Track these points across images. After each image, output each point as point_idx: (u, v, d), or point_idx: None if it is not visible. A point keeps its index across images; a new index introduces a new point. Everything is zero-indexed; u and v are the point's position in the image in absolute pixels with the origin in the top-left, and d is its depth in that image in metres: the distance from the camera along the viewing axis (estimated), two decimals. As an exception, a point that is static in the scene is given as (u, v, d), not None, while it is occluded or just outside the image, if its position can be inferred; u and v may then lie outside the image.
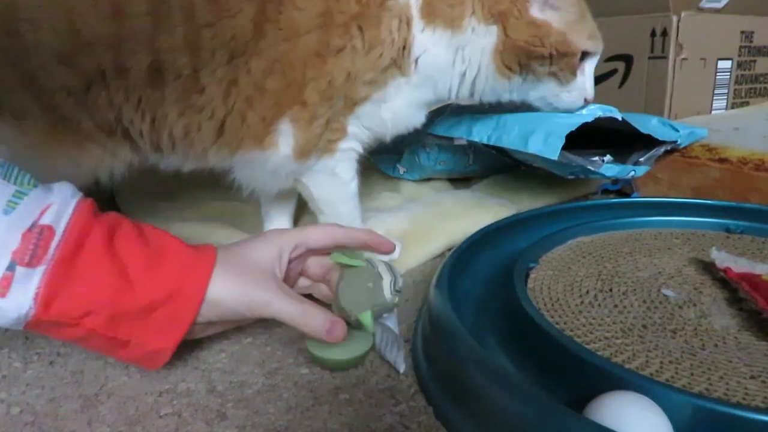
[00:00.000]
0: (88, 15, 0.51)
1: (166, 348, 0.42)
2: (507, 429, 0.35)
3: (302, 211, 0.76)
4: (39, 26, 0.50)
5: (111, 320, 0.39)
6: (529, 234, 0.61)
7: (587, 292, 0.50)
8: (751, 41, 1.10)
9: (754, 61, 1.12)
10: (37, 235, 0.37)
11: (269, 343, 0.51)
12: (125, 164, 0.59)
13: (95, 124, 0.55)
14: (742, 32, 1.09)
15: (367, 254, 0.52)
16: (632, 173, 0.73)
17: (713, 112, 1.10)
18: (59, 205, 0.39)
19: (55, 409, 0.42)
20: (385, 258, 0.54)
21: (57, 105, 0.53)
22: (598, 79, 1.08)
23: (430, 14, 0.58)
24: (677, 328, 0.44)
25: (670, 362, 0.39)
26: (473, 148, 0.89)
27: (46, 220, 0.38)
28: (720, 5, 1.04)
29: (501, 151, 0.81)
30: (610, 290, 0.50)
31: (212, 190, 0.85)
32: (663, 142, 0.77)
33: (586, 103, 0.66)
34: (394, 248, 0.51)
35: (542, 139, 0.65)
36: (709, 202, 0.67)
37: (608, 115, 0.69)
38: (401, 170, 0.95)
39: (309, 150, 0.60)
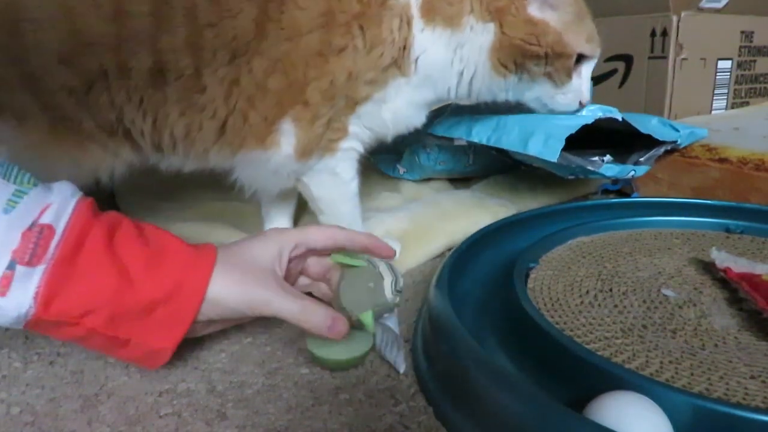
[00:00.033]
0: (90, 15, 0.51)
1: (167, 347, 0.42)
2: (507, 429, 0.35)
3: (302, 210, 0.76)
4: (40, 26, 0.50)
5: (111, 320, 0.39)
6: (529, 234, 0.61)
7: (587, 292, 0.50)
8: (751, 41, 1.10)
9: (754, 61, 1.12)
10: (37, 234, 0.37)
11: (269, 343, 0.51)
12: (126, 164, 0.59)
13: (96, 124, 0.55)
14: (742, 32, 1.09)
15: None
16: (632, 173, 0.73)
17: (713, 112, 1.10)
18: (59, 204, 0.39)
19: (55, 409, 0.42)
20: (386, 258, 0.54)
21: (58, 105, 0.53)
22: (598, 79, 1.09)
23: (429, 13, 0.58)
24: (677, 328, 0.44)
25: (670, 362, 0.39)
26: (473, 148, 0.89)
27: (46, 219, 0.38)
28: (720, 5, 1.04)
29: (500, 151, 0.81)
30: (610, 290, 0.50)
31: (212, 190, 0.85)
32: (663, 142, 0.77)
33: (581, 106, 0.66)
34: (395, 254, 0.51)
35: (542, 141, 0.65)
36: (709, 202, 0.67)
37: (608, 115, 0.69)
38: (401, 170, 0.95)
39: (311, 149, 0.60)
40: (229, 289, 0.42)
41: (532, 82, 0.63)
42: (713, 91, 1.09)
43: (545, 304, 0.48)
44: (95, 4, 0.51)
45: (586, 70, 0.64)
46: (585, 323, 0.45)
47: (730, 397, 0.36)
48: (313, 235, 0.49)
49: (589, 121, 0.66)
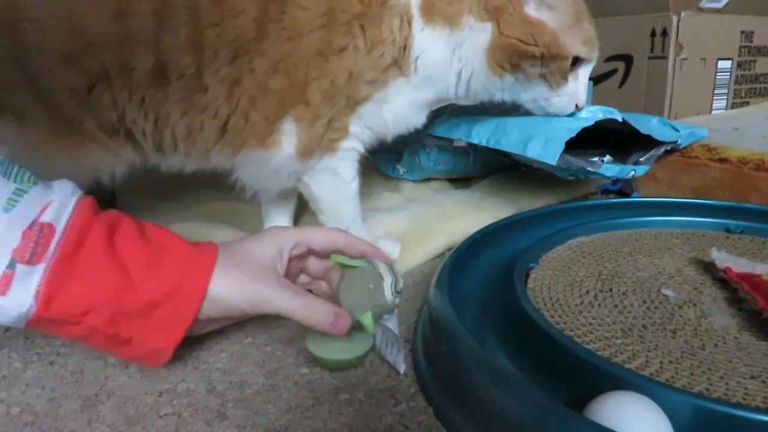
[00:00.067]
0: (91, 15, 0.51)
1: (168, 346, 0.42)
2: (507, 429, 0.35)
3: (302, 210, 0.76)
4: (41, 26, 0.50)
5: (112, 318, 0.39)
6: (529, 234, 0.61)
7: (587, 292, 0.50)
8: (751, 41, 1.10)
9: (754, 61, 1.12)
10: (38, 233, 0.37)
11: (269, 343, 0.51)
12: (127, 165, 0.59)
13: (97, 124, 0.55)
14: (742, 32, 1.09)
15: None
16: (632, 173, 0.73)
17: (713, 112, 1.10)
18: (59, 203, 0.39)
19: (55, 409, 0.42)
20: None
21: (59, 105, 0.53)
22: (598, 79, 1.09)
23: (429, 12, 0.58)
24: (677, 328, 0.44)
25: (670, 362, 0.39)
26: (473, 148, 0.89)
27: (46, 218, 0.38)
28: (720, 5, 1.04)
29: (500, 152, 0.81)
30: (610, 290, 0.50)
31: (212, 190, 0.85)
32: (663, 143, 0.77)
33: (578, 109, 0.66)
34: (392, 262, 0.51)
35: (541, 144, 0.65)
36: (709, 202, 0.67)
37: (608, 116, 0.69)
38: (401, 170, 0.95)
39: (312, 149, 0.60)
40: (230, 288, 0.42)
41: (528, 83, 0.62)
42: (713, 91, 1.09)
43: (545, 304, 0.48)
44: (97, 4, 0.51)
45: (584, 73, 0.64)
46: (585, 323, 0.45)
47: (730, 397, 0.36)
48: (314, 236, 0.49)
49: (590, 123, 0.66)
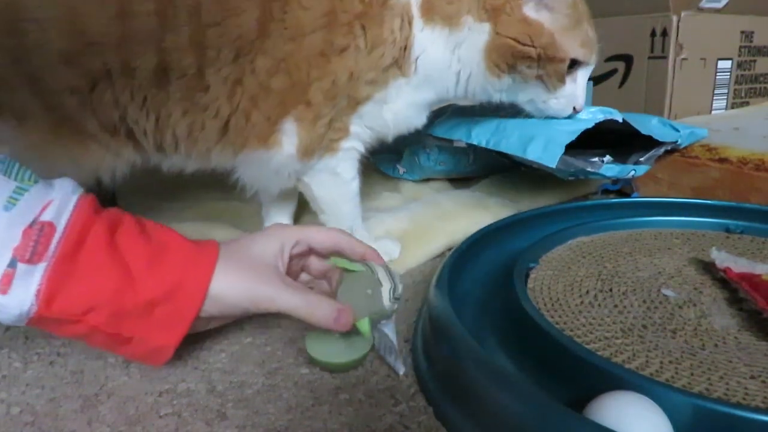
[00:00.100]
0: (93, 14, 0.51)
1: (169, 344, 0.42)
2: (507, 429, 0.35)
3: (303, 210, 0.76)
4: (42, 26, 0.50)
5: (113, 317, 0.39)
6: (529, 234, 0.61)
7: (587, 292, 0.50)
8: (751, 41, 1.10)
9: (754, 61, 1.12)
10: (38, 232, 0.37)
11: (269, 343, 0.51)
12: (128, 164, 0.59)
13: (99, 123, 0.55)
14: (742, 32, 1.09)
15: None
16: (632, 173, 0.73)
17: (713, 112, 1.10)
18: (60, 201, 0.39)
19: (55, 409, 0.42)
20: (385, 259, 0.54)
21: (60, 105, 0.53)
22: (598, 79, 1.09)
23: (429, 12, 0.58)
24: (677, 328, 0.44)
25: (670, 362, 0.39)
26: (473, 149, 0.89)
27: (47, 217, 0.38)
28: (720, 5, 1.04)
29: (500, 152, 0.81)
30: (610, 290, 0.50)
31: (213, 190, 0.85)
32: (663, 143, 0.77)
33: (575, 112, 0.66)
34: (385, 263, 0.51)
35: (541, 147, 0.65)
36: (709, 202, 0.67)
37: (609, 118, 0.69)
38: (401, 170, 0.96)
39: (313, 149, 0.60)
40: (231, 286, 0.42)
41: (525, 85, 0.62)
42: (713, 91, 1.09)
43: (545, 304, 0.48)
44: (98, 4, 0.51)
45: (582, 76, 0.64)
46: (585, 323, 0.45)
47: (730, 397, 0.36)
48: (315, 235, 0.49)
49: (590, 125, 0.66)
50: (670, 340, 0.42)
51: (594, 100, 1.09)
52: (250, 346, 0.50)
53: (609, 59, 1.07)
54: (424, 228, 0.72)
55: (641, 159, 0.76)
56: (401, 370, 0.45)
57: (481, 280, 0.55)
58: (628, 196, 0.86)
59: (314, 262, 0.51)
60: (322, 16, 0.55)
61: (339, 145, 0.62)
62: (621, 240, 0.61)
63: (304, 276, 0.52)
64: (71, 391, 0.44)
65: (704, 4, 1.02)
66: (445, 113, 0.82)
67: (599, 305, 0.48)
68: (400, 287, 0.47)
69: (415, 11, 0.58)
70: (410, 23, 0.58)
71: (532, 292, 0.50)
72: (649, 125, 0.76)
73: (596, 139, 0.73)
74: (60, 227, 0.38)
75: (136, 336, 0.41)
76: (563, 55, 0.60)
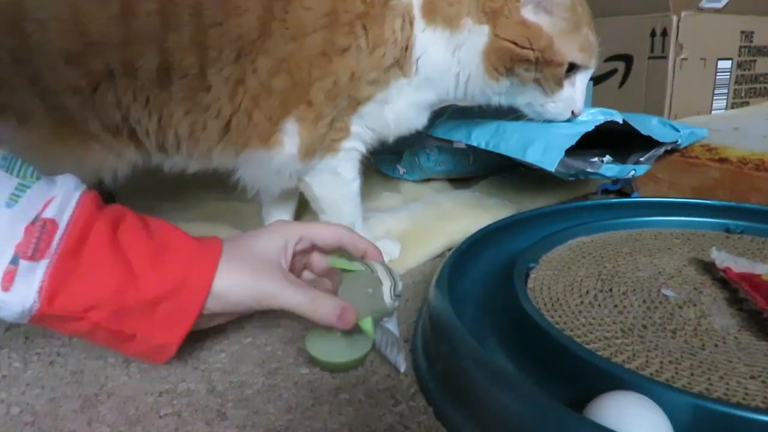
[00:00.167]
0: (95, 15, 0.51)
1: (172, 342, 0.42)
2: (507, 429, 0.35)
3: (303, 210, 0.76)
4: (44, 26, 0.50)
5: (115, 314, 0.39)
6: (529, 234, 0.61)
7: (587, 292, 0.50)
8: (751, 41, 1.10)
9: (754, 61, 1.12)
10: (40, 229, 0.37)
11: (269, 343, 0.51)
12: (129, 165, 0.59)
13: (101, 124, 0.55)
14: (742, 32, 1.09)
15: None
16: (632, 173, 0.73)
17: (713, 112, 1.10)
18: (62, 198, 0.39)
19: (55, 409, 0.42)
20: (385, 259, 0.54)
21: (62, 105, 0.53)
22: (598, 79, 1.09)
23: (430, 13, 0.58)
24: (677, 328, 0.44)
25: (670, 362, 0.39)
26: (473, 150, 0.89)
27: (49, 213, 0.38)
28: (720, 5, 1.04)
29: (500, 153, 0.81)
30: (610, 290, 0.50)
31: (214, 190, 0.85)
32: (663, 143, 0.77)
33: (574, 116, 0.66)
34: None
35: (541, 150, 0.65)
36: (709, 202, 0.67)
37: (609, 119, 0.69)
38: (401, 171, 0.96)
39: (314, 149, 0.60)
40: (234, 283, 0.42)
41: (523, 88, 0.62)
42: (713, 91, 1.09)
43: (545, 304, 0.48)
44: (100, 4, 0.51)
45: (581, 80, 0.63)
46: (585, 323, 0.45)
47: (730, 397, 0.36)
48: (318, 231, 0.49)
49: (590, 128, 0.66)
50: (670, 340, 0.42)
51: (594, 100, 1.09)
52: (250, 346, 0.50)
53: (609, 59, 1.07)
54: (424, 228, 0.72)
55: (641, 159, 0.76)
56: (403, 366, 0.45)
57: (481, 280, 0.55)
58: (628, 196, 0.86)
59: (317, 260, 0.51)
60: (323, 16, 0.55)
61: (340, 145, 0.62)
62: (621, 240, 0.61)
63: (307, 274, 0.52)
64: (71, 391, 0.44)
65: (704, 4, 1.02)
66: (444, 114, 0.82)
67: (599, 305, 0.48)
68: (400, 284, 0.47)
69: (417, 12, 0.58)
70: (411, 24, 0.58)
71: (532, 292, 0.50)
72: (649, 125, 0.76)
73: (596, 140, 0.73)
74: (62, 224, 0.38)
75: (139, 333, 0.41)
76: (561, 59, 0.59)
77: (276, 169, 0.60)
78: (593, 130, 0.67)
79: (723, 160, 0.76)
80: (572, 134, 0.64)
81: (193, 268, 0.41)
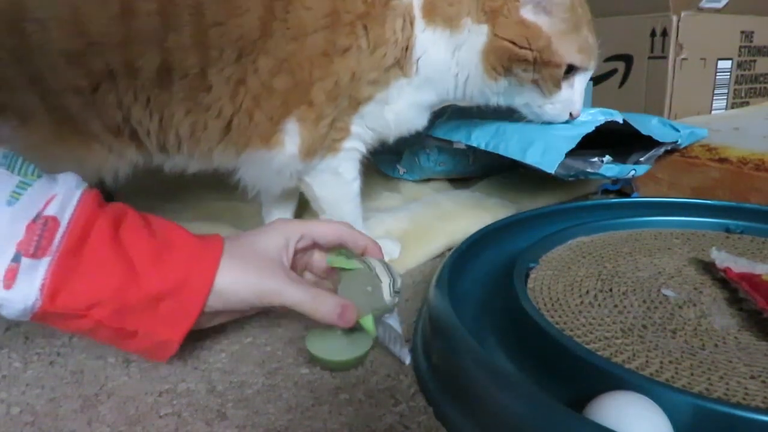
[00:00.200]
0: (95, 14, 0.51)
1: (174, 339, 0.42)
2: (507, 429, 0.35)
3: (303, 210, 0.76)
4: (45, 26, 0.50)
5: (117, 312, 0.39)
6: (529, 234, 0.61)
7: (587, 292, 0.50)
8: (751, 41, 1.10)
9: (754, 61, 1.12)
10: (42, 226, 0.37)
11: (269, 343, 0.51)
12: (130, 165, 0.59)
13: (102, 124, 0.55)
14: (742, 32, 1.09)
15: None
16: (632, 173, 0.73)
17: (713, 112, 1.10)
18: (64, 196, 0.39)
19: (55, 409, 0.42)
20: (386, 259, 0.54)
21: (63, 105, 0.53)
22: (598, 79, 1.09)
23: (431, 13, 0.58)
24: (677, 328, 0.44)
25: (670, 362, 0.39)
26: (473, 150, 0.89)
27: (50, 211, 0.38)
28: (720, 5, 1.04)
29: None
30: (610, 290, 0.50)
31: (214, 191, 0.85)
32: (663, 143, 0.77)
33: (572, 118, 0.65)
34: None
35: (540, 152, 0.65)
36: (709, 202, 0.67)
37: (609, 119, 0.69)
38: (401, 171, 0.96)
39: (315, 149, 0.60)
40: (236, 281, 0.42)
41: (521, 89, 0.62)
42: (713, 91, 1.09)
43: (545, 304, 0.48)
44: (101, 4, 0.51)
45: (579, 81, 0.63)
46: (585, 323, 0.45)
47: (730, 397, 0.36)
48: (319, 229, 0.49)
49: (590, 129, 0.66)
50: (670, 340, 0.42)
51: (594, 100, 1.09)
52: (250, 346, 0.50)
53: (609, 59, 1.07)
54: (424, 228, 0.72)
55: (641, 159, 0.76)
56: (407, 359, 0.46)
57: (481, 280, 0.55)
58: (628, 196, 0.86)
59: (318, 260, 0.51)
60: (324, 16, 0.55)
61: (341, 145, 0.62)
62: (621, 240, 0.61)
63: (308, 275, 0.52)
64: (71, 391, 0.44)
65: (704, 4, 1.02)
66: (444, 114, 0.82)
67: (599, 305, 0.48)
68: (399, 281, 0.47)
69: (417, 12, 0.58)
70: (412, 24, 0.58)
71: (532, 292, 0.50)
72: (649, 125, 0.76)
73: (596, 140, 0.73)
74: (64, 222, 0.38)
75: (141, 330, 0.41)
76: (559, 60, 0.59)
77: (277, 169, 0.60)
78: (594, 131, 0.67)
79: (723, 160, 0.76)
80: (572, 136, 0.64)
81: (194, 266, 0.41)
